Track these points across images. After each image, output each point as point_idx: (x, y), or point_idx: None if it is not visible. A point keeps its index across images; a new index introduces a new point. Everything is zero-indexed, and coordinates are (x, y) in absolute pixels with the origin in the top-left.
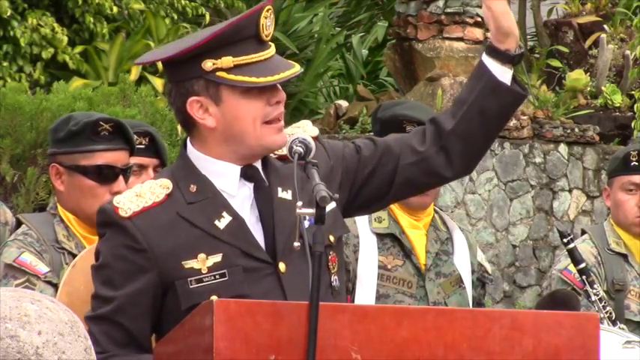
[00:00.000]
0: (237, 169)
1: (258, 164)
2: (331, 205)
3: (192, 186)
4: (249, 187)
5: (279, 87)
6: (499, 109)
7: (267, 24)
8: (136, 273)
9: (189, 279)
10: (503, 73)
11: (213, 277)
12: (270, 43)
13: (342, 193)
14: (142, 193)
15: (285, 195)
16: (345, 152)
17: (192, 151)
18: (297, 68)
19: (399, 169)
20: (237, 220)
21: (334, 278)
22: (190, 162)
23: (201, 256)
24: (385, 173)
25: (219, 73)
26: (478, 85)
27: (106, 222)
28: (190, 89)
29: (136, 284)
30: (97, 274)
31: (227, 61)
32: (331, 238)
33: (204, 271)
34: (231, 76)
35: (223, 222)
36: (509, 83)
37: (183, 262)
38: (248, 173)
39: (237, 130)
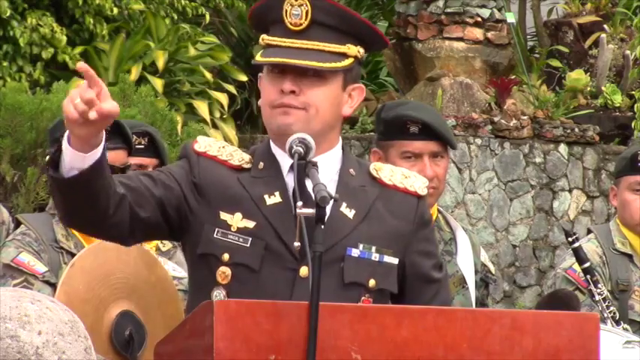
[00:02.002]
0: (289, 161)
1: (324, 165)
2: (392, 260)
3: (261, 163)
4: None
5: (294, 78)
6: None
7: (294, 12)
8: (181, 183)
9: (216, 228)
10: None
11: (237, 238)
12: (318, 36)
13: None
14: (224, 148)
15: (347, 212)
16: (418, 251)
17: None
18: (312, 63)
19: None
20: (286, 204)
21: None
22: (269, 142)
23: (238, 214)
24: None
25: (259, 52)
26: None
27: (181, 155)
28: None
29: (175, 185)
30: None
31: (262, 38)
32: (371, 281)
33: (233, 229)
34: (258, 55)
35: (272, 200)
36: None
37: (220, 211)
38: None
39: (262, 110)
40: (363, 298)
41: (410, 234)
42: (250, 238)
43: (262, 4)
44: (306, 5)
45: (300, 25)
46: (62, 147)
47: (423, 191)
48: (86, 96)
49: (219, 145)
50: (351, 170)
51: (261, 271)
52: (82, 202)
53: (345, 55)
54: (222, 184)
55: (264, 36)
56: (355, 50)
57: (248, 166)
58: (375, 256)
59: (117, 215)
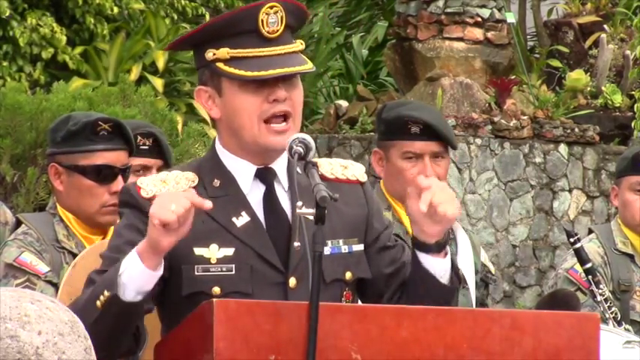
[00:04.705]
0: (252, 169)
1: (282, 170)
2: (359, 247)
3: (215, 180)
4: (261, 190)
5: (281, 85)
6: (428, 298)
7: (270, 21)
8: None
9: (196, 266)
10: (435, 265)
11: (220, 269)
12: (287, 40)
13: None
14: (167, 180)
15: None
16: (381, 228)
17: (218, 145)
18: (302, 67)
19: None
20: (255, 222)
21: None
22: (217, 156)
23: (214, 246)
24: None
25: (217, 64)
26: (412, 275)
27: (127, 202)
28: (201, 78)
29: None
30: (108, 243)
31: (223, 52)
32: (348, 274)
33: (212, 261)
34: (226, 67)
35: (241, 220)
36: (441, 277)
37: (194, 249)
38: (262, 175)
39: (236, 124)
40: (344, 292)
41: (367, 217)
42: (233, 265)
43: (233, 16)
44: (281, 11)
45: (277, 32)
46: (122, 276)
47: (363, 177)
48: (187, 205)
49: (159, 179)
50: (298, 169)
51: (254, 294)
52: (129, 328)
53: (300, 51)
54: None
55: (228, 49)
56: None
57: (195, 184)
58: (345, 248)
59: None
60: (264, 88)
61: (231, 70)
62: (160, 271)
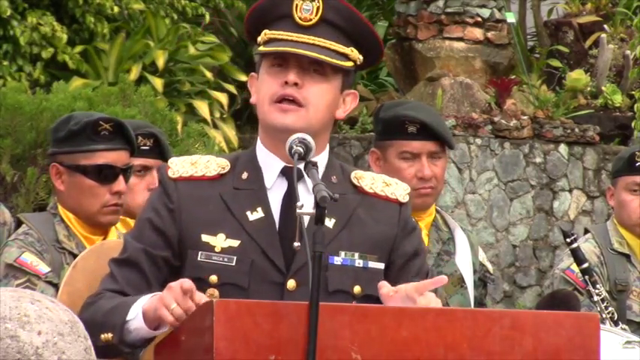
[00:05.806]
0: (279, 165)
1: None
2: (377, 265)
3: (245, 173)
4: (284, 188)
5: (297, 71)
6: None
7: (304, 7)
8: (162, 230)
9: (200, 252)
10: None
11: (221, 258)
12: (324, 34)
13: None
14: (197, 163)
15: (327, 221)
16: (411, 251)
17: (258, 139)
18: (320, 55)
19: None
20: (268, 219)
21: None
22: (255, 150)
23: (221, 235)
24: None
25: (260, 47)
26: None
27: (159, 179)
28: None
29: (158, 242)
30: (136, 220)
31: (263, 34)
32: (357, 288)
33: (217, 250)
34: (261, 47)
35: (255, 215)
36: None
37: (202, 235)
38: (288, 173)
39: (257, 105)
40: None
41: (395, 238)
42: (235, 257)
43: None
44: (318, 2)
45: (310, 20)
46: (128, 323)
47: (404, 198)
48: (187, 305)
49: (190, 161)
50: (333, 178)
51: (250, 289)
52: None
53: (347, 57)
54: (203, 206)
55: (266, 30)
56: (356, 55)
57: (225, 171)
58: (359, 263)
59: None
60: (285, 72)
61: (261, 47)
62: (164, 329)
